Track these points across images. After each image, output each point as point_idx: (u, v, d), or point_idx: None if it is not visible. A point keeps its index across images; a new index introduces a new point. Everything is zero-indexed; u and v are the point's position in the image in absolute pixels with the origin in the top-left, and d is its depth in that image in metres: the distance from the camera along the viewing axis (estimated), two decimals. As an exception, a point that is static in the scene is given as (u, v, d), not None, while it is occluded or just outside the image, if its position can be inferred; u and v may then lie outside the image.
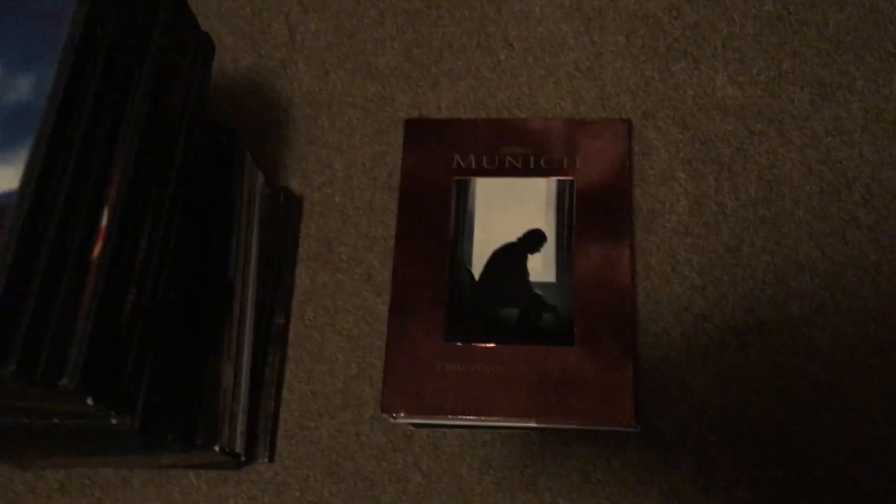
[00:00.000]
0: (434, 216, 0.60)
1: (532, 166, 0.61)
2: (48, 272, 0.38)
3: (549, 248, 0.59)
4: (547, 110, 0.64)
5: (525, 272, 0.58)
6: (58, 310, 0.39)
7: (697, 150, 0.62)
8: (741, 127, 0.62)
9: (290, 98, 0.67)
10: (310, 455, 0.58)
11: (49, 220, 0.39)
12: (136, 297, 0.44)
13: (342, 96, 0.66)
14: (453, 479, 0.57)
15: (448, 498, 0.56)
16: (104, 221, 0.42)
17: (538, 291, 0.57)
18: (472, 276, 0.58)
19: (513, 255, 0.59)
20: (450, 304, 0.58)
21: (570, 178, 0.60)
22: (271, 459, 0.58)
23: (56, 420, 0.44)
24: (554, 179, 0.60)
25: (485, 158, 0.61)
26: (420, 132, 0.63)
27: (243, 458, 0.57)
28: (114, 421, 0.43)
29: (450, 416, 0.55)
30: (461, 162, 0.61)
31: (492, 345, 0.56)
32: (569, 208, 0.59)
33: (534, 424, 0.55)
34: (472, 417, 0.55)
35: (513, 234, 0.59)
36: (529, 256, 0.58)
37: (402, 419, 0.56)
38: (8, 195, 0.38)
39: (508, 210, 0.60)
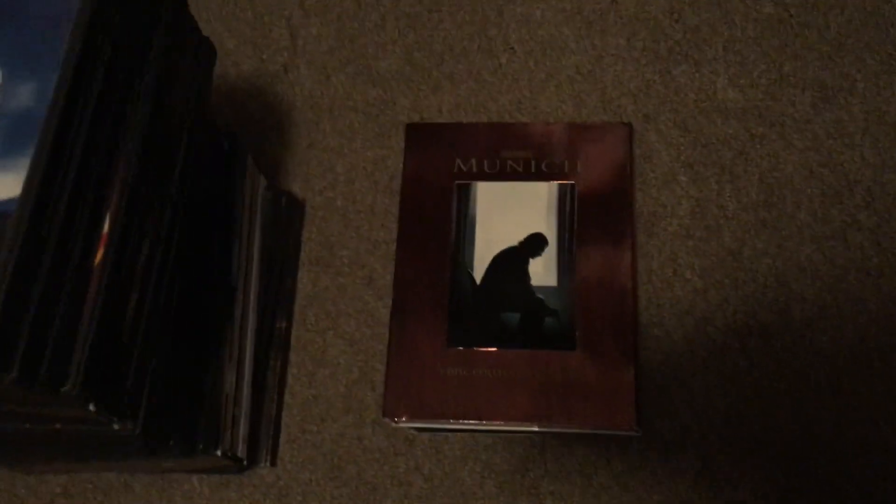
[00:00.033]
0: (435, 220, 0.60)
1: (533, 170, 0.61)
2: (50, 278, 0.38)
3: (551, 251, 0.58)
4: (548, 114, 0.64)
5: (526, 276, 0.58)
6: (60, 316, 0.39)
7: (698, 153, 0.62)
8: (742, 130, 0.62)
9: (292, 102, 0.67)
10: (312, 459, 0.58)
11: (51, 226, 0.39)
12: (137, 303, 0.44)
13: (343, 100, 0.66)
14: (455, 483, 0.57)
15: (450, 502, 0.56)
16: (106, 227, 0.42)
17: (540, 295, 0.57)
18: (473, 279, 0.58)
19: (514, 259, 0.59)
20: (451, 307, 0.58)
21: (572, 181, 0.60)
22: (273, 463, 0.58)
23: (58, 426, 0.44)
24: (555, 183, 0.60)
25: (486, 162, 0.61)
26: (421, 136, 0.63)
27: (245, 463, 0.57)
28: (116, 426, 0.44)
29: (452, 421, 0.55)
30: (462, 166, 0.62)
31: (493, 349, 0.56)
32: (570, 212, 0.59)
33: (536, 428, 0.55)
34: (473, 421, 0.55)
35: (514, 238, 0.59)
36: (531, 260, 0.58)
37: (404, 423, 0.56)
38: (10, 202, 0.38)
39: (509, 214, 0.60)
